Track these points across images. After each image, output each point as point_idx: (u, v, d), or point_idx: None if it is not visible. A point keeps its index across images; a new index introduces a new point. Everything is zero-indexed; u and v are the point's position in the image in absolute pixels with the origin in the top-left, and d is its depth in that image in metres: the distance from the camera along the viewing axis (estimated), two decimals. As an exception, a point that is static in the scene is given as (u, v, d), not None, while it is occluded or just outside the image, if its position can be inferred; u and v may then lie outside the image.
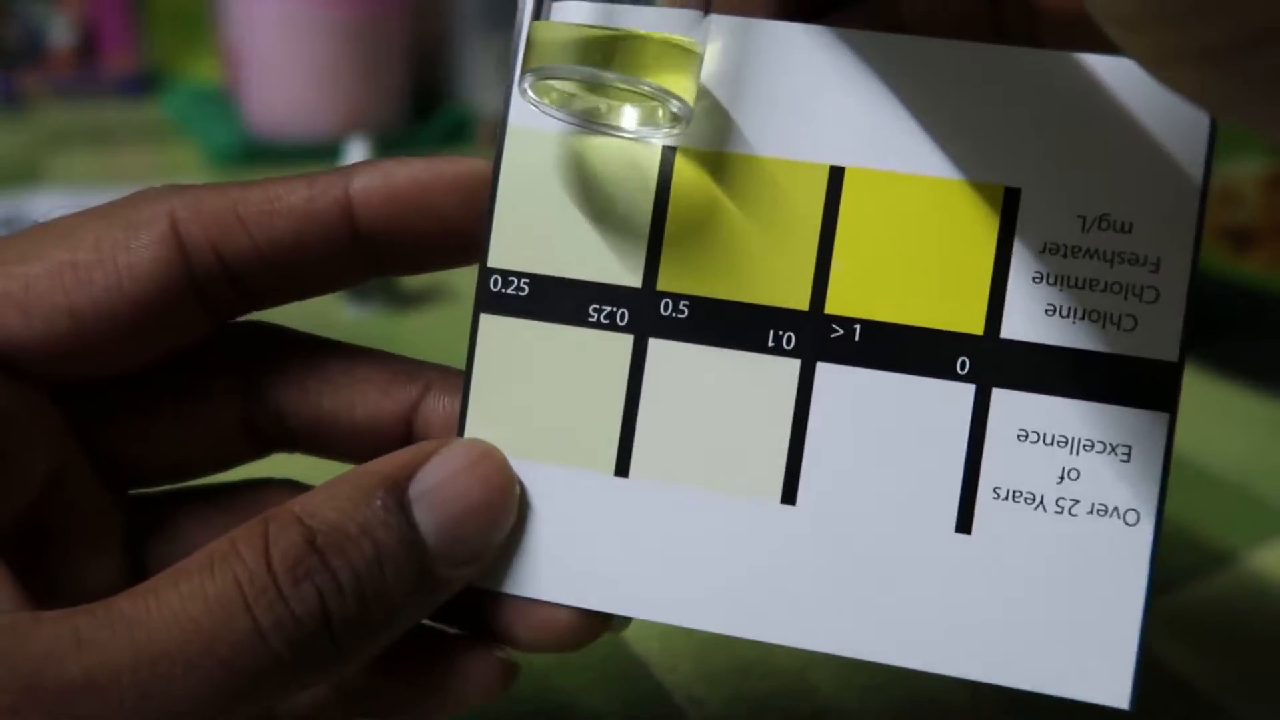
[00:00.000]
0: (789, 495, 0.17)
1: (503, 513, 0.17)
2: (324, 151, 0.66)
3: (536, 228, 0.18)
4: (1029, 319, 0.17)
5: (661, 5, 0.16)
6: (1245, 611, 0.31)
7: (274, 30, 0.70)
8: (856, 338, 0.17)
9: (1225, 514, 0.35)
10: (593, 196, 0.18)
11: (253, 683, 0.14)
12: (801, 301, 0.17)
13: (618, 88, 0.16)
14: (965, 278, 0.17)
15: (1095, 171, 0.17)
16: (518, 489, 0.17)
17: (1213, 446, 0.40)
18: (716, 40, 0.17)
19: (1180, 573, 0.32)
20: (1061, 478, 0.17)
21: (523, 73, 0.16)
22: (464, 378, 0.18)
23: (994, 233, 0.17)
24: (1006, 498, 0.17)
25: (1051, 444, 0.17)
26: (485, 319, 0.18)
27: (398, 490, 0.16)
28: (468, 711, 0.19)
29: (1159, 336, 0.17)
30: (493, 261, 0.18)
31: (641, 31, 0.15)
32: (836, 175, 0.17)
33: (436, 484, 0.16)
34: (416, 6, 0.75)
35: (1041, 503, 0.17)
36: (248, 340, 0.20)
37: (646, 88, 0.15)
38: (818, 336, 0.17)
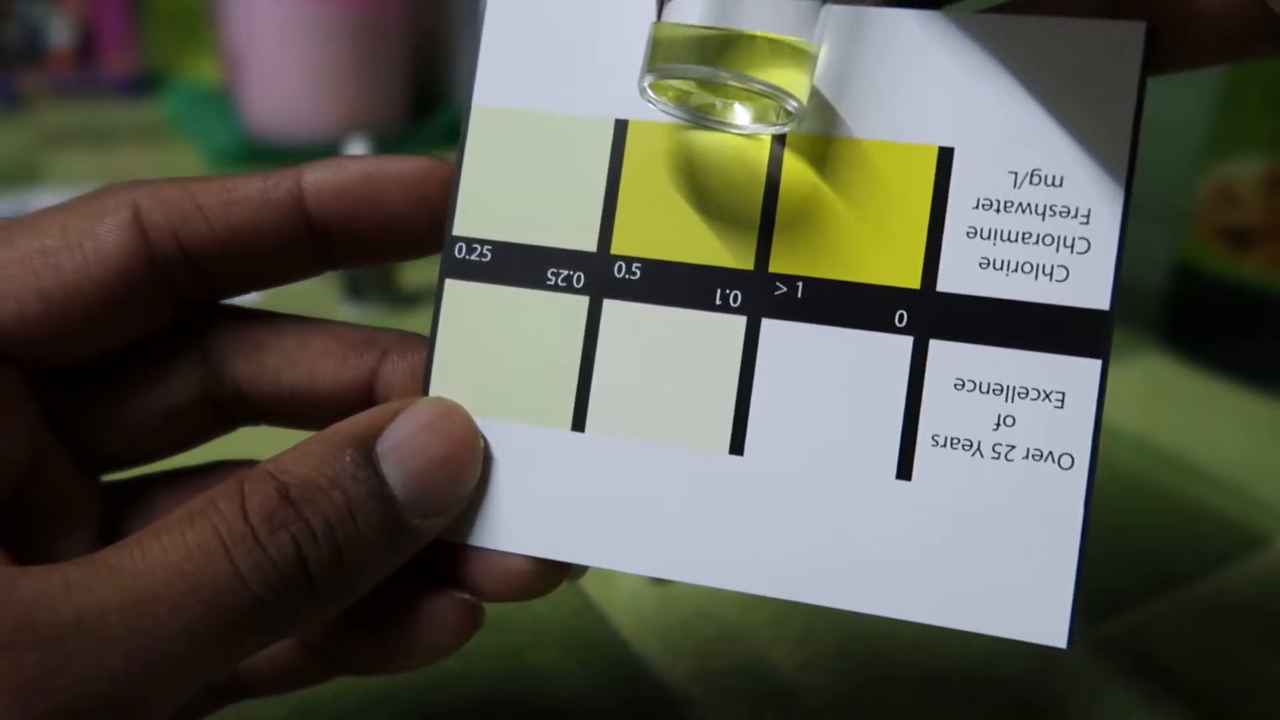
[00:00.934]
0: (737, 446, 0.18)
1: (467, 466, 0.18)
2: (323, 151, 0.65)
3: (499, 197, 0.19)
4: (964, 272, 0.17)
5: None
6: (1245, 611, 0.31)
7: (273, 30, 0.70)
8: (799, 294, 0.18)
9: (1223, 514, 0.35)
10: (551, 166, 0.19)
11: (236, 623, 0.15)
12: (746, 261, 0.18)
13: (733, 86, 0.17)
14: (902, 235, 0.18)
15: (1026, 128, 0.17)
16: (481, 443, 0.18)
17: (1212, 446, 0.40)
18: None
19: (1179, 572, 0.32)
20: (998, 424, 0.17)
21: (644, 72, 0.16)
22: (429, 340, 0.19)
23: (929, 191, 0.17)
24: (945, 445, 0.17)
25: (988, 392, 0.17)
26: (450, 284, 0.19)
27: (366, 447, 0.17)
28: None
29: (1091, 286, 0.17)
30: (457, 230, 0.19)
31: (758, 31, 0.16)
32: (778, 141, 0.18)
33: (402, 439, 0.17)
34: (416, 6, 0.75)
35: (979, 449, 0.17)
36: (204, 320, 0.20)
37: (760, 86, 0.16)
38: (762, 294, 0.18)
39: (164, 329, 0.20)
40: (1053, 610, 0.17)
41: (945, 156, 0.18)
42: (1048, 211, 0.17)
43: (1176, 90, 0.57)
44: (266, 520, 0.15)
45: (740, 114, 0.18)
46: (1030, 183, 0.17)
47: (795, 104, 0.17)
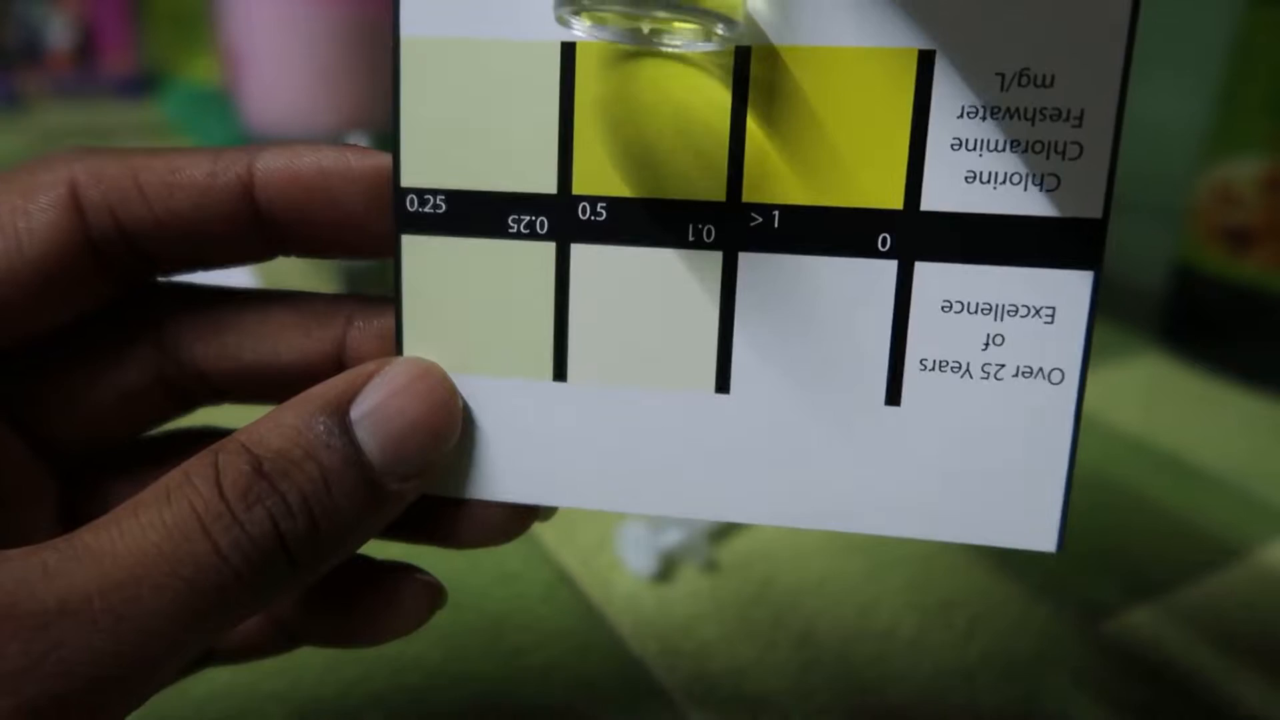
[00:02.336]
0: (723, 384, 0.18)
1: (445, 427, 0.18)
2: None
3: (446, 142, 0.18)
4: (949, 188, 0.16)
5: None
6: (1245, 611, 0.31)
7: (273, 30, 0.70)
8: (776, 224, 0.17)
9: (1224, 514, 0.35)
10: (498, 104, 0.17)
11: (218, 600, 0.15)
12: (718, 193, 0.17)
13: (660, 16, 0.16)
14: (882, 151, 0.16)
15: (1013, 25, 0.16)
16: (460, 403, 0.18)
17: (1212, 446, 0.40)
18: None
19: (1179, 572, 0.32)
20: (987, 344, 0.17)
21: (560, 2, 0.15)
22: (394, 301, 0.18)
23: (909, 101, 0.16)
24: (933, 368, 0.17)
25: (976, 312, 0.17)
26: (407, 240, 0.18)
27: (339, 413, 0.16)
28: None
29: (1083, 194, 0.16)
30: (406, 181, 0.18)
31: None
32: (743, 56, 0.17)
33: (377, 404, 0.17)
34: (416, 7, 0.75)
35: (968, 370, 0.17)
36: (157, 300, 0.20)
37: (690, 14, 0.15)
38: (737, 226, 0.17)
39: (111, 308, 0.19)
40: (1043, 517, 0.17)
41: (926, 61, 0.16)
42: (1037, 115, 0.16)
43: (1176, 90, 0.57)
44: (242, 496, 0.15)
45: (675, 34, 0.17)
46: (1019, 84, 0.16)
47: (724, 25, 0.15)
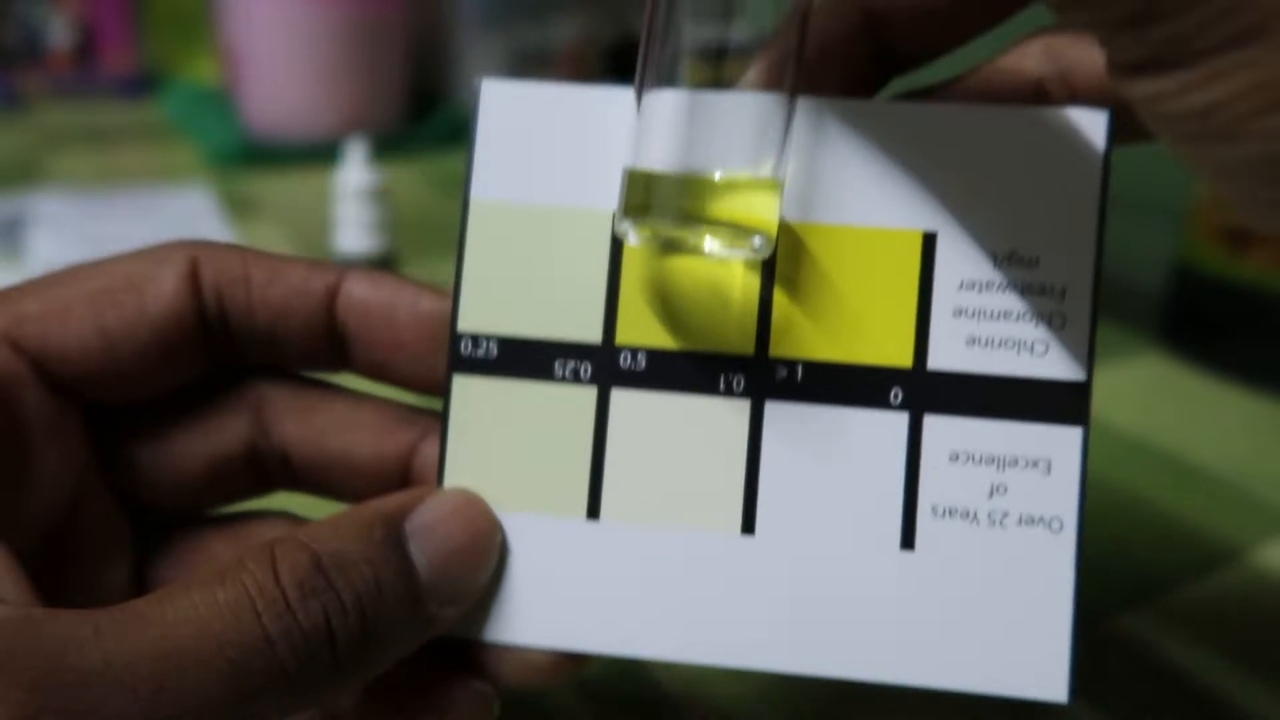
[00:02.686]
0: (748, 526, 0.18)
1: (486, 555, 0.18)
2: (323, 151, 0.66)
3: (501, 292, 0.19)
4: (952, 350, 0.18)
5: (746, 89, 0.17)
6: (1245, 611, 0.31)
7: (273, 30, 0.70)
8: (799, 377, 0.18)
9: (1224, 514, 0.35)
10: (552, 261, 0.19)
11: (258, 688, 0.15)
12: (748, 347, 0.19)
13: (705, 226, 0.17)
14: (893, 316, 0.18)
15: (1002, 212, 0.18)
16: (500, 536, 0.19)
17: (1212, 446, 0.40)
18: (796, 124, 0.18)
19: (1180, 572, 0.32)
20: (992, 493, 0.18)
21: (619, 218, 0.17)
22: (440, 436, 0.19)
23: (915, 274, 0.18)
24: (944, 515, 0.18)
25: (981, 462, 0.18)
26: (458, 380, 0.19)
27: (395, 526, 0.17)
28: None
29: (1068, 359, 0.18)
30: (462, 326, 0.19)
31: (724, 170, 0.17)
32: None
33: (429, 524, 0.17)
34: (416, 6, 0.75)
35: (976, 517, 0.18)
36: (259, 379, 0.21)
37: (730, 229, 0.17)
38: (764, 378, 0.19)
39: (216, 378, 0.20)
40: (1052, 667, 0.18)
41: (929, 241, 0.18)
42: (1026, 290, 0.18)
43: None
44: (298, 586, 0.15)
45: (712, 244, 0.18)
46: (1009, 263, 0.18)
47: (761, 240, 0.17)
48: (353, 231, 0.48)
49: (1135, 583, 0.31)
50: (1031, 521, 0.18)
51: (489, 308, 0.19)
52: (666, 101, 0.17)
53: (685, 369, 0.19)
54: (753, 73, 0.17)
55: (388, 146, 0.68)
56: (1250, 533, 0.34)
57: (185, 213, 0.61)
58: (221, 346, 0.20)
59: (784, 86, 0.17)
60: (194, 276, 0.19)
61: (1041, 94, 0.19)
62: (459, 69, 0.78)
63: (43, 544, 0.18)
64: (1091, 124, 0.18)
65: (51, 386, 0.19)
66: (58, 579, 0.19)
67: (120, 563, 0.20)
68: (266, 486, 0.21)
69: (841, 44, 0.20)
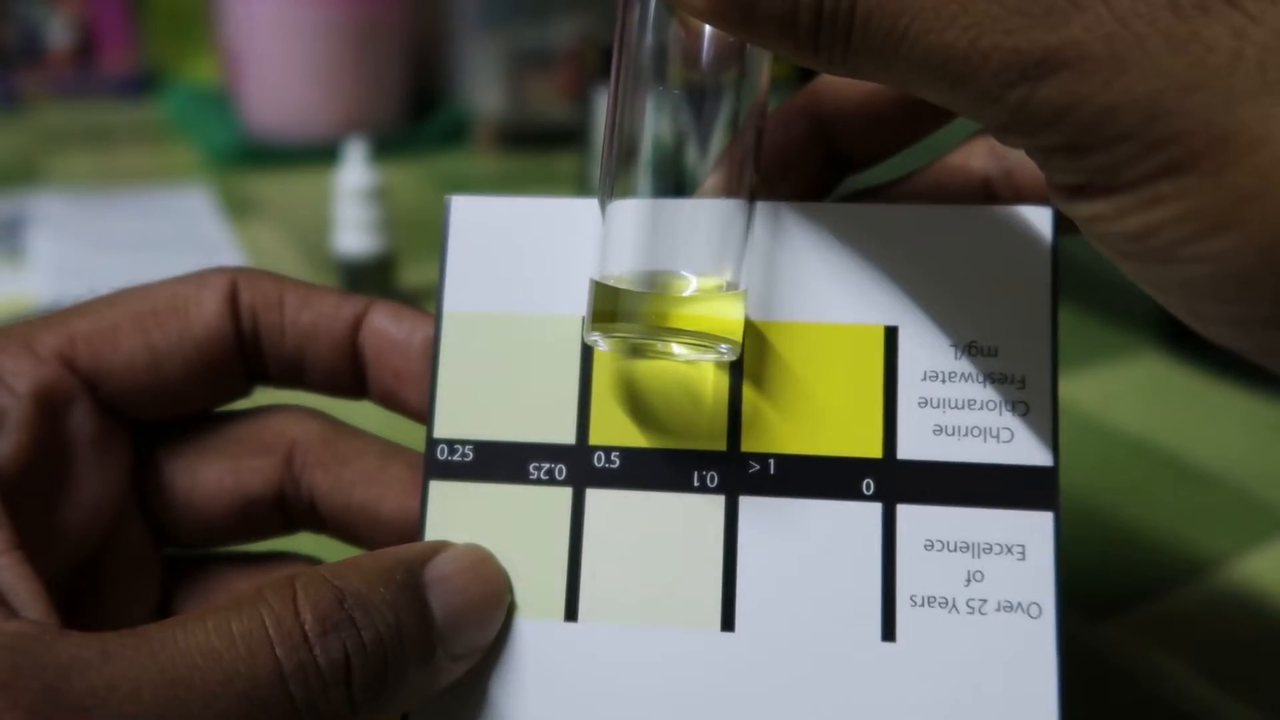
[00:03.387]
0: (728, 622, 0.18)
1: (498, 612, 0.18)
2: (322, 151, 0.66)
3: (476, 398, 0.19)
4: (920, 439, 0.19)
5: (706, 195, 0.18)
6: (1243, 612, 0.31)
7: (272, 30, 0.70)
8: (772, 470, 0.19)
9: (1223, 514, 0.35)
10: (525, 366, 0.19)
11: None
12: (719, 443, 0.19)
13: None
14: (860, 408, 0.19)
15: (960, 305, 0.19)
16: (510, 597, 0.19)
17: (1210, 447, 0.40)
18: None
19: (1178, 573, 0.32)
20: (969, 580, 0.18)
21: (588, 329, 0.18)
22: (418, 539, 0.19)
23: (880, 366, 0.19)
24: (923, 604, 0.18)
25: (955, 550, 0.18)
26: (434, 485, 0.19)
27: (415, 573, 0.17)
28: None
29: (1033, 445, 0.18)
30: (438, 432, 0.19)
31: (689, 279, 0.17)
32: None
33: (448, 574, 0.17)
34: (416, 6, 0.75)
35: (955, 605, 0.18)
36: (292, 422, 0.21)
37: (695, 339, 0.17)
38: (737, 473, 0.19)
39: (244, 420, 0.21)
40: None
41: (891, 334, 0.19)
42: (987, 379, 0.19)
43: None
44: (320, 621, 0.15)
45: (682, 350, 0.19)
46: (969, 354, 0.19)
47: (727, 346, 0.17)
48: (352, 231, 0.48)
49: (1134, 583, 0.31)
50: (1010, 608, 0.18)
51: (465, 414, 0.19)
52: (629, 210, 0.17)
53: (659, 466, 0.19)
54: (711, 181, 0.18)
55: (387, 146, 0.68)
56: (1248, 533, 0.34)
57: (185, 213, 0.61)
58: (255, 367, 0.21)
59: (742, 192, 0.18)
60: (233, 299, 0.20)
61: (989, 190, 0.20)
62: (459, 69, 0.78)
63: (77, 565, 0.19)
64: (1037, 220, 0.19)
65: (100, 405, 0.19)
66: (85, 603, 0.19)
67: (147, 593, 0.20)
68: (291, 528, 0.21)
69: (794, 150, 0.21)
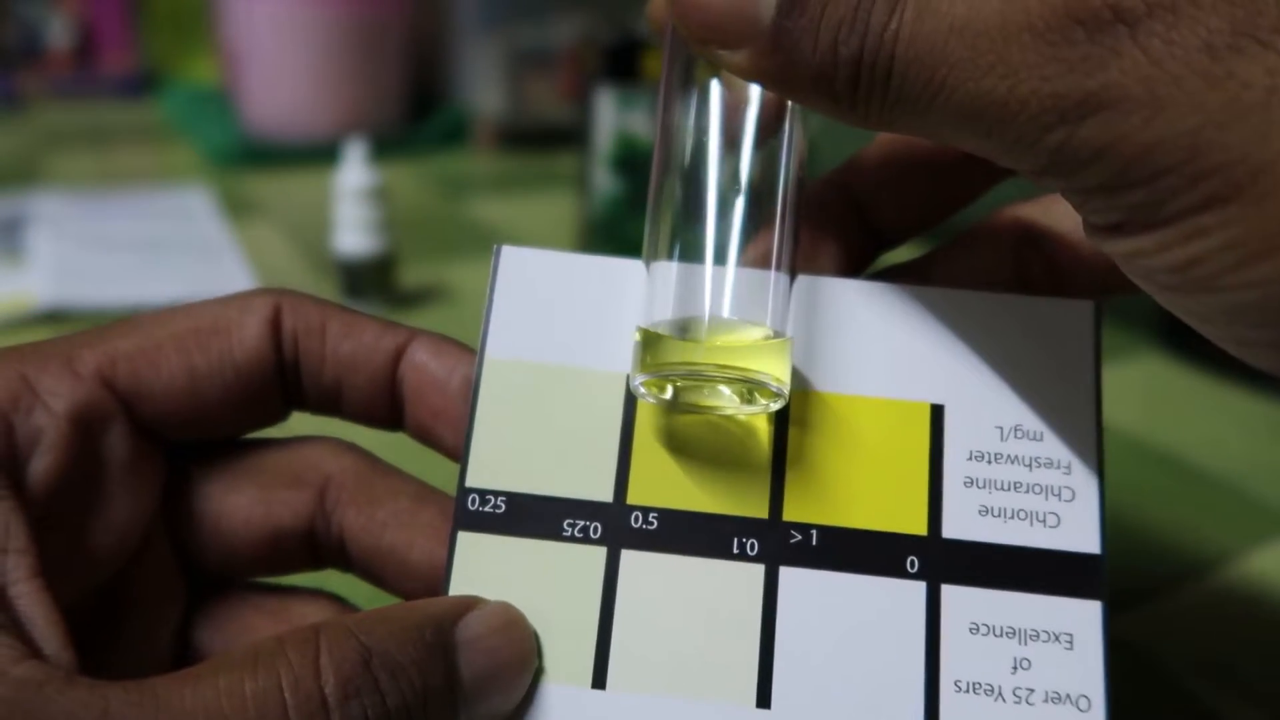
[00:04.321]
0: (764, 699, 0.17)
1: (525, 677, 0.18)
2: (322, 152, 0.66)
3: (512, 448, 0.19)
4: (965, 519, 0.18)
5: (747, 267, 0.17)
6: (1242, 612, 0.31)
7: (272, 30, 0.70)
8: (814, 542, 0.18)
9: (1223, 514, 0.35)
10: (564, 419, 0.19)
11: None
12: (761, 510, 0.18)
13: (719, 379, 0.18)
14: (905, 484, 0.18)
15: (1005, 389, 0.19)
16: (538, 661, 0.18)
17: (1211, 447, 0.40)
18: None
19: (1177, 573, 0.32)
20: (1015, 668, 0.17)
21: (635, 374, 0.17)
22: (442, 591, 0.18)
23: (926, 443, 0.19)
24: (968, 690, 0.17)
25: (1001, 635, 0.18)
26: (463, 536, 0.18)
27: (445, 633, 0.16)
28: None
29: (1080, 531, 0.18)
30: (470, 481, 0.19)
31: (738, 336, 0.17)
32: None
33: (478, 635, 0.17)
34: (416, 6, 0.75)
35: (1000, 694, 0.17)
36: (327, 456, 0.21)
37: (743, 378, 0.17)
38: (778, 542, 0.18)
39: (290, 452, 0.20)
40: None
41: (937, 413, 0.19)
42: (1033, 463, 0.18)
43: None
44: (342, 685, 0.14)
45: (729, 399, 0.18)
46: (1015, 436, 0.19)
47: (777, 387, 0.17)
48: (352, 232, 0.48)
49: (1133, 583, 0.31)
50: (1058, 699, 0.17)
51: (499, 464, 0.19)
52: (674, 271, 0.18)
53: (698, 530, 0.18)
54: (753, 250, 0.18)
55: (387, 146, 0.68)
56: (1248, 533, 0.34)
57: (184, 213, 0.61)
58: (292, 394, 0.20)
59: (782, 263, 0.18)
60: (276, 323, 0.20)
61: (1020, 259, 0.20)
62: (459, 69, 0.78)
63: (101, 587, 0.18)
64: (1079, 313, 0.19)
65: (136, 426, 0.19)
66: (107, 624, 0.19)
67: (169, 615, 0.20)
68: (318, 564, 0.21)
69: (830, 225, 0.21)
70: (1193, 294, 0.14)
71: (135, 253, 0.55)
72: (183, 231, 0.58)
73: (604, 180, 0.52)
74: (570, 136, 0.63)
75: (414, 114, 0.77)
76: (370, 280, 0.48)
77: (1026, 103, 0.14)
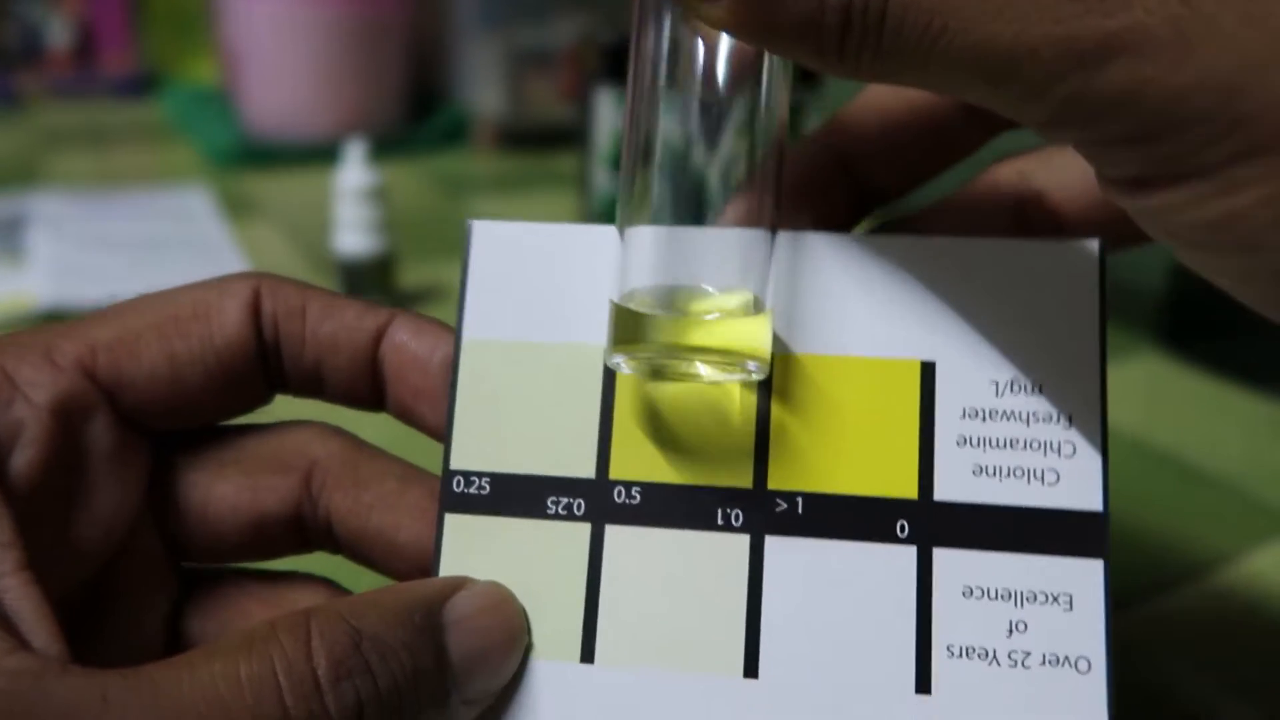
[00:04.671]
0: (751, 669, 0.17)
1: (515, 656, 0.18)
2: (322, 152, 0.65)
3: (494, 429, 0.19)
4: (958, 480, 0.18)
5: (727, 226, 0.17)
6: (1241, 613, 0.31)
7: (272, 30, 0.70)
8: (800, 510, 0.18)
9: (1222, 515, 0.35)
10: (544, 396, 0.19)
11: None
12: (745, 480, 0.18)
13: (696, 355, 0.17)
14: (895, 446, 0.18)
15: (1000, 341, 0.18)
16: (528, 639, 0.18)
17: (1210, 447, 0.40)
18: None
19: (1178, 573, 0.32)
20: (1010, 631, 0.17)
21: (610, 351, 0.17)
22: (432, 575, 0.19)
23: (916, 403, 0.18)
24: (961, 655, 0.17)
25: (996, 598, 0.17)
26: (450, 519, 0.19)
27: (434, 614, 0.17)
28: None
29: (1081, 488, 0.17)
30: (454, 464, 0.19)
31: (713, 303, 0.17)
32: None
33: (467, 615, 0.17)
34: (416, 6, 0.75)
35: (995, 657, 0.17)
36: (313, 440, 0.20)
37: (722, 357, 0.17)
38: (763, 511, 0.18)
39: (273, 437, 0.20)
40: None
41: (928, 370, 0.18)
42: (1031, 418, 0.18)
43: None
44: (334, 666, 0.15)
45: (707, 370, 0.18)
46: (1011, 391, 0.18)
47: (755, 364, 0.17)
48: (351, 232, 0.48)
49: (1133, 583, 0.31)
50: (1056, 661, 0.17)
51: (482, 445, 0.19)
52: (648, 234, 0.17)
53: (682, 503, 0.18)
54: (731, 210, 0.17)
55: (387, 146, 0.68)
56: (1247, 534, 0.34)
57: (184, 213, 0.61)
58: (274, 376, 0.20)
59: (764, 222, 0.17)
60: (255, 306, 0.20)
61: (1020, 214, 0.19)
62: (459, 69, 0.78)
63: (89, 578, 0.18)
64: (1084, 253, 0.18)
65: (119, 417, 0.19)
66: (97, 616, 0.19)
67: (159, 605, 0.20)
68: (307, 547, 0.21)
69: (816, 182, 0.20)
70: (1228, 253, 0.13)
71: (135, 253, 0.55)
72: (183, 231, 0.58)
73: (604, 180, 0.52)
74: (570, 136, 0.63)
75: (414, 114, 0.77)
76: (370, 280, 0.48)
77: (1037, 49, 0.13)
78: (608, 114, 0.51)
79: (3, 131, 0.78)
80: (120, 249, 0.55)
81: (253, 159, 0.70)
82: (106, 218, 0.60)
